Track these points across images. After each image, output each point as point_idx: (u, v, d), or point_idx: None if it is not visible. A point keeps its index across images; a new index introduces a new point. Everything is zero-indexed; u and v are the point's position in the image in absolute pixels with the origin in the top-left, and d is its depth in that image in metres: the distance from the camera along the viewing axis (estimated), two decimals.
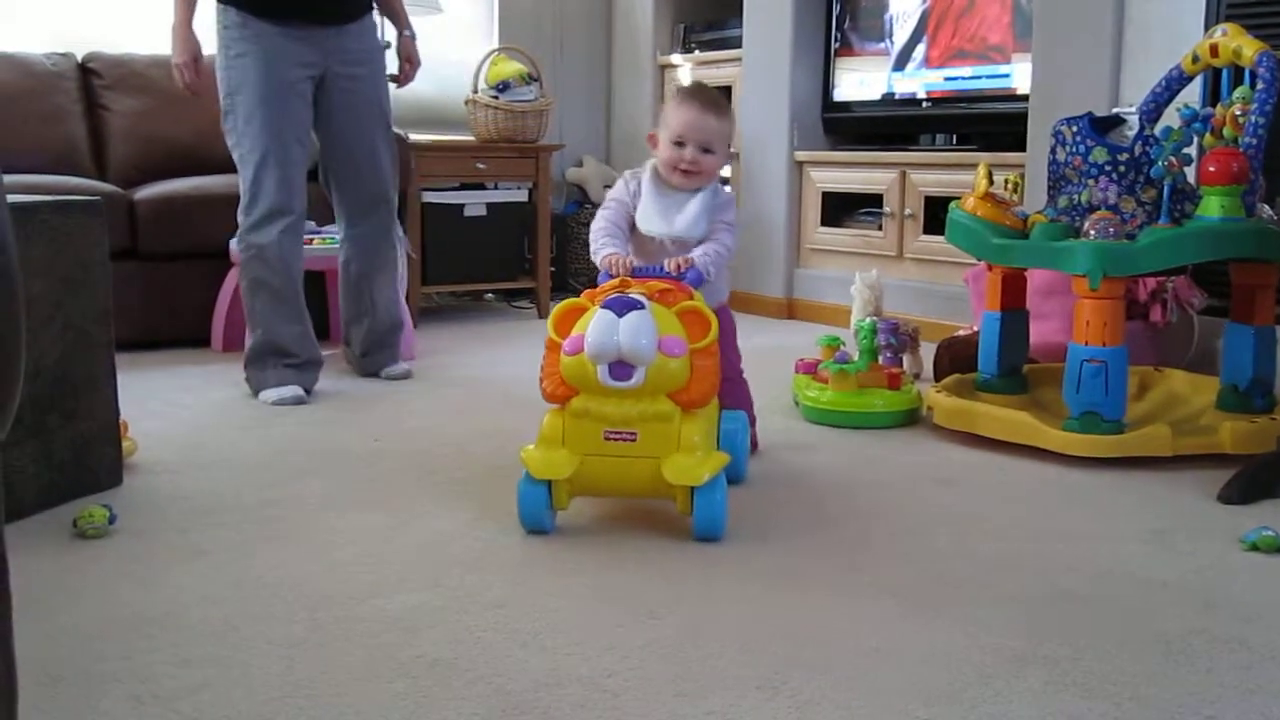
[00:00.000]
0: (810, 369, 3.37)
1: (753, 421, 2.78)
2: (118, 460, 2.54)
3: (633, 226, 2.58)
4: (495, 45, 5.57)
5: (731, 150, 5.54)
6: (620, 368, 2.11)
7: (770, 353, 4.13)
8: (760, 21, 5.15)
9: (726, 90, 5.42)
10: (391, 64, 3.74)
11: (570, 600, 1.93)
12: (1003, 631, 1.81)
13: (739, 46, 5.28)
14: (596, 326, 2.11)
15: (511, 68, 5.21)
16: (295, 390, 3.41)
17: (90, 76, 4.73)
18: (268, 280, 3.42)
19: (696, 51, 5.62)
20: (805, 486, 2.60)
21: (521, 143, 5.18)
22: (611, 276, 2.37)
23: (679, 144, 2.54)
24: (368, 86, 3.55)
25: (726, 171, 5.58)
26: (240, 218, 3.42)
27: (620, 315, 2.11)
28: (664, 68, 5.73)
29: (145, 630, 1.81)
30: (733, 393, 2.67)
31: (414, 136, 4.87)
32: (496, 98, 5.13)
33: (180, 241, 4.17)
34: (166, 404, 3.33)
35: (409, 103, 5.43)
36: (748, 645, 1.75)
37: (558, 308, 2.26)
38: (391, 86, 3.72)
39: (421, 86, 5.07)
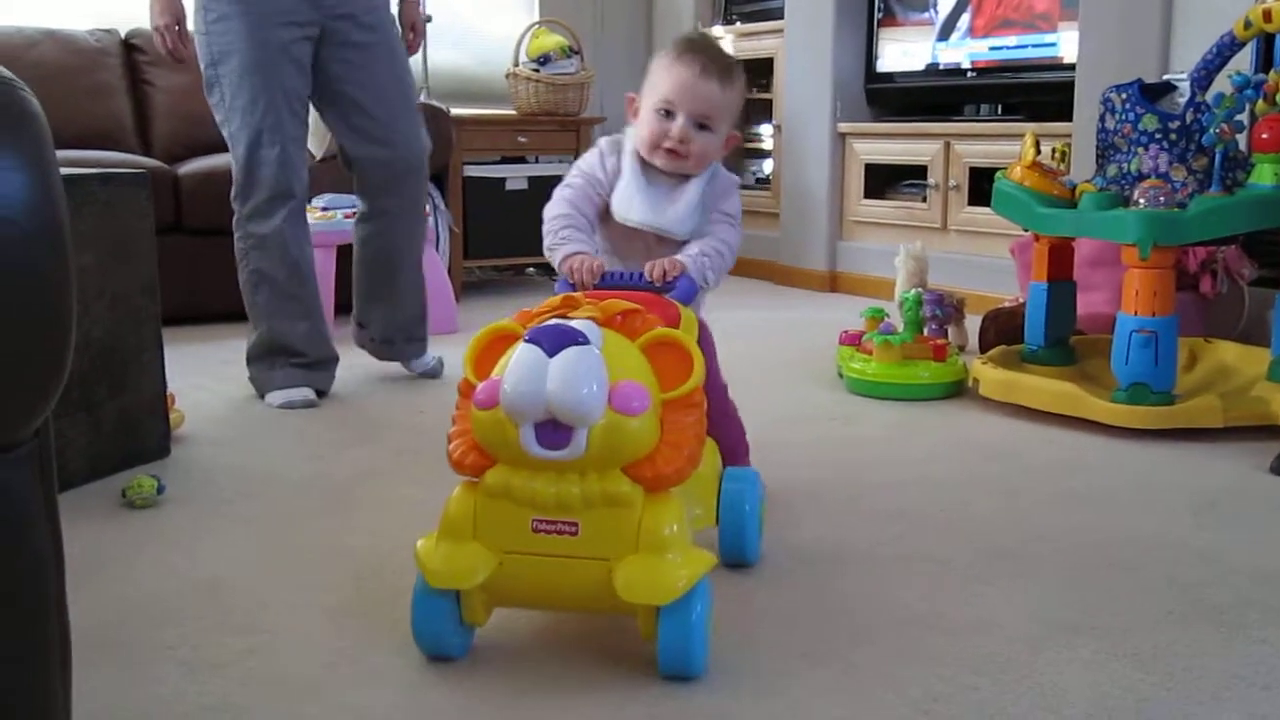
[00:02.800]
0: (854, 340, 3.35)
1: (745, 456, 2.20)
2: (165, 432, 2.56)
3: (604, 213, 2.00)
4: (536, 18, 5.55)
5: (775, 124, 5.55)
6: (552, 430, 1.47)
7: (813, 325, 4.12)
8: None
9: (768, 63, 5.39)
10: None
11: None
12: (1053, 602, 1.79)
13: (780, 17, 5.23)
14: (517, 370, 1.47)
15: (552, 40, 5.19)
16: (305, 392, 3.05)
17: (134, 53, 4.75)
18: (270, 273, 3.02)
19: (738, 23, 5.59)
20: (850, 457, 2.59)
21: (562, 116, 5.17)
22: (572, 287, 1.80)
23: (665, 113, 1.94)
24: (383, 39, 3.09)
25: (759, 145, 5.56)
26: (235, 204, 3.03)
27: (551, 353, 1.47)
28: None
29: (194, 598, 1.82)
30: (726, 431, 2.09)
31: (455, 110, 4.86)
32: (537, 70, 5.11)
33: (224, 216, 4.14)
34: (213, 377, 3.35)
35: (449, 76, 5.44)
36: (792, 614, 1.75)
37: (479, 335, 1.62)
38: None
39: (462, 60, 5.06)
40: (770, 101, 5.44)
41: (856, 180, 4.99)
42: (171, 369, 2.60)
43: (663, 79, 1.96)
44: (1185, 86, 2.90)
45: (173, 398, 2.66)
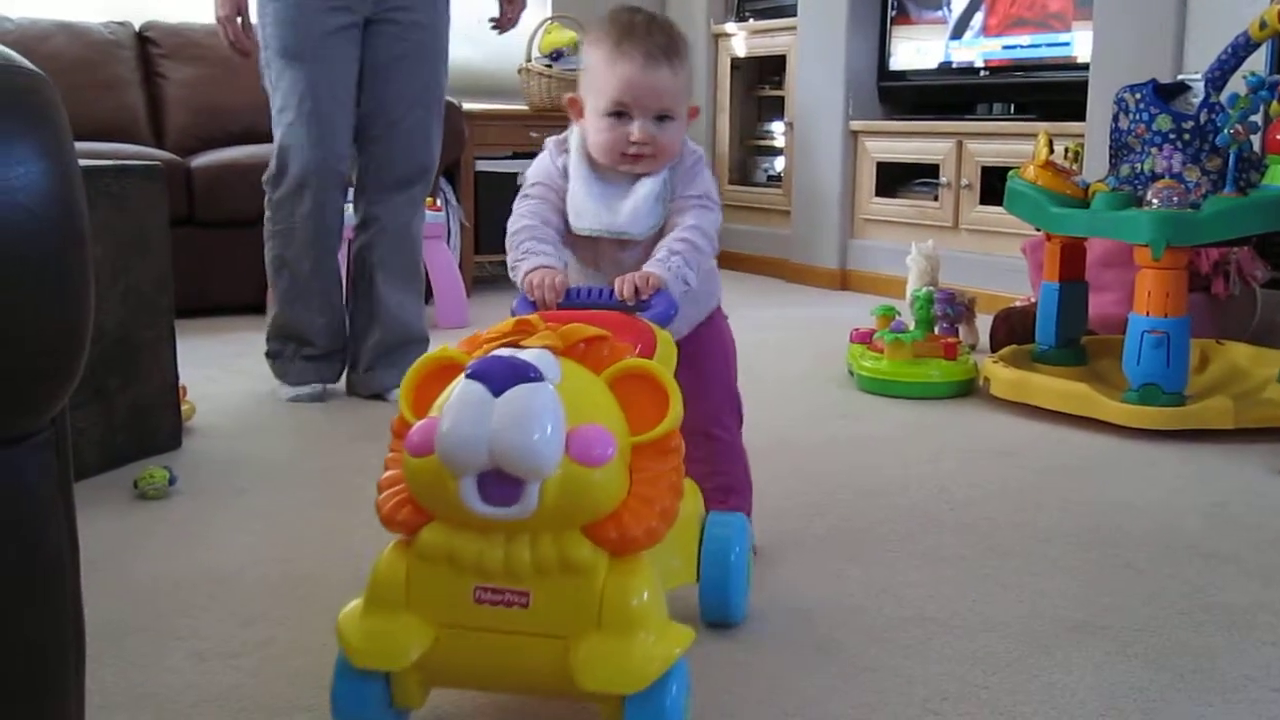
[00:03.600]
0: (865, 338, 3.34)
1: (747, 507, 1.90)
2: (177, 423, 2.57)
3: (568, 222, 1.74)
4: (548, 14, 5.55)
5: (787, 121, 5.54)
6: (498, 482, 1.22)
7: (824, 323, 4.12)
8: None
9: (780, 60, 5.39)
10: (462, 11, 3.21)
11: None
12: (1063, 602, 1.79)
13: (794, 15, 5.23)
14: (456, 411, 1.23)
15: (565, 36, 5.19)
16: (314, 388, 3.04)
17: (148, 45, 4.77)
18: (292, 262, 2.96)
19: (750, 20, 5.58)
20: (860, 456, 2.59)
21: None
22: (534, 306, 1.56)
23: (618, 114, 1.66)
24: (425, 35, 2.98)
25: (771, 143, 5.55)
26: (266, 188, 2.97)
27: (497, 391, 1.22)
28: (718, 36, 5.69)
29: (206, 589, 1.83)
30: (721, 464, 1.84)
31: (467, 105, 4.87)
32: (549, 66, 5.12)
33: (237, 209, 4.19)
34: (224, 369, 3.36)
35: (461, 71, 5.41)
36: (803, 612, 1.75)
37: (418, 364, 1.39)
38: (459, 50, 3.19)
39: (474, 55, 5.06)
40: (782, 99, 5.44)
41: (868, 178, 4.99)
42: (183, 361, 2.61)
43: (605, 78, 1.68)
44: (1200, 87, 2.89)
45: (184, 389, 2.67)
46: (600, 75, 1.68)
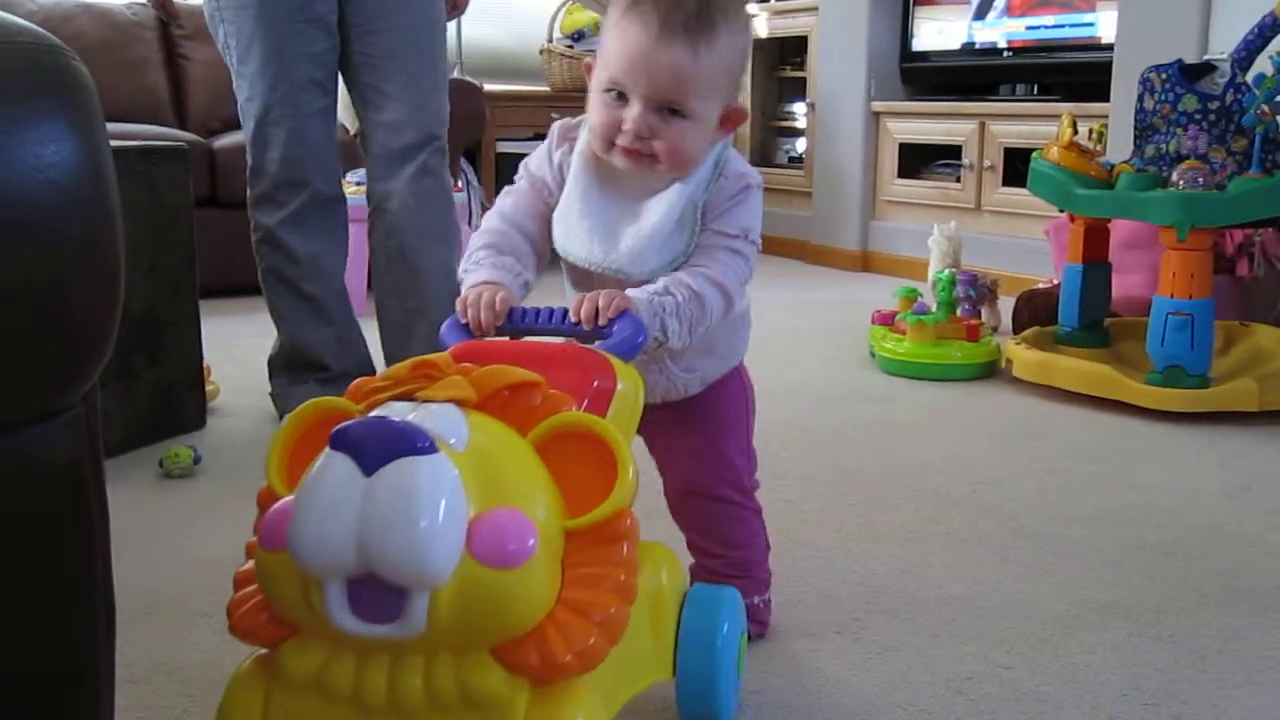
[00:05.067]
0: (888, 320, 3.34)
1: (760, 589, 1.59)
2: (202, 403, 2.58)
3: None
4: None
5: (808, 102, 5.51)
6: (373, 592, 0.92)
7: (845, 305, 4.11)
8: None
9: (802, 41, 5.37)
10: None
11: None
12: (1086, 583, 1.79)
13: None
14: (313, 495, 0.93)
15: (586, 17, 5.18)
16: None
17: (170, 26, 4.77)
18: (283, 272, 2.53)
19: (772, 0, 5.56)
20: (882, 438, 2.58)
21: None
22: (466, 330, 1.27)
23: (619, 95, 1.31)
24: None
25: (793, 124, 5.53)
26: (247, 189, 2.56)
27: (370, 468, 0.91)
28: None
29: (231, 567, 1.83)
30: (733, 538, 1.56)
31: (488, 86, 4.87)
32: (571, 47, 5.11)
33: None
34: (248, 349, 3.37)
35: (482, 51, 5.44)
36: (826, 592, 1.75)
37: (295, 415, 1.09)
38: None
39: (495, 35, 5.05)
40: (804, 80, 5.42)
41: (890, 160, 4.97)
42: (207, 341, 2.62)
43: (612, 42, 1.32)
44: (1225, 67, 2.87)
45: (209, 369, 2.68)
46: (608, 40, 1.33)
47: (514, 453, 1.01)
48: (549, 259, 1.42)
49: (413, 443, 0.92)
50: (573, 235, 1.36)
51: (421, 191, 2.51)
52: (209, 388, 2.67)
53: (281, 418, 2.52)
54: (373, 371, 2.53)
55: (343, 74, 2.55)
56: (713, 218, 1.35)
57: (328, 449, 0.93)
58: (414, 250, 2.51)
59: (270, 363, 2.64)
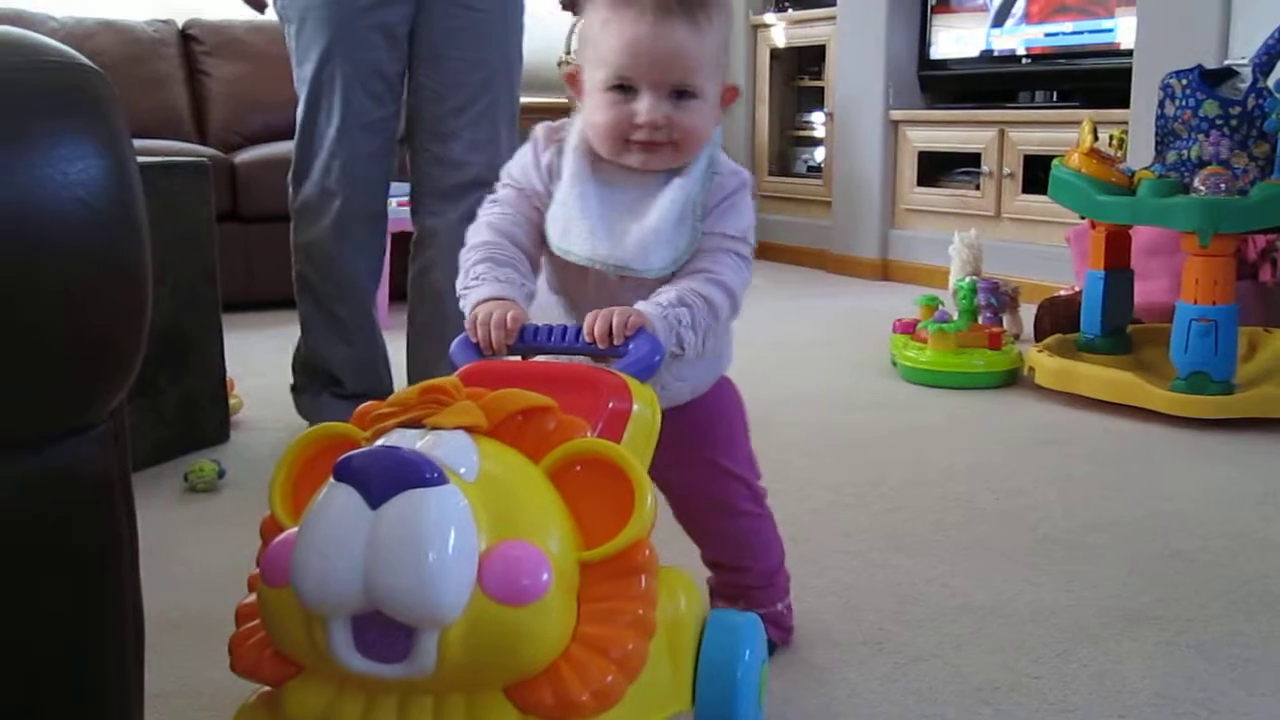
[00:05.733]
0: (909, 329, 3.33)
1: (782, 595, 1.58)
2: (225, 417, 2.59)
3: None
4: None
5: (827, 111, 5.51)
6: (381, 630, 0.89)
7: (865, 314, 4.10)
8: None
9: (820, 50, 5.37)
10: None
11: None
12: (1112, 591, 1.78)
13: (833, 4, 5.21)
14: (317, 530, 0.89)
15: None
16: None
17: (191, 43, 4.81)
18: (315, 284, 2.47)
19: (790, 10, 5.57)
20: (905, 446, 2.58)
21: None
22: (476, 350, 1.24)
23: (623, 89, 1.28)
24: (494, 15, 2.42)
25: (811, 133, 5.53)
26: (289, 187, 2.48)
27: (376, 500, 0.88)
28: (757, 27, 5.68)
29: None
30: (748, 551, 1.54)
31: None
32: None
33: (280, 204, 4.19)
34: (269, 363, 3.38)
35: None
36: (852, 602, 1.74)
37: (299, 441, 1.06)
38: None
39: None
40: (822, 89, 5.42)
41: (909, 168, 4.97)
42: (230, 355, 2.63)
43: (603, 41, 1.28)
44: (1246, 72, 2.86)
45: (232, 383, 2.69)
46: (597, 39, 1.29)
47: (527, 482, 0.97)
48: (540, 266, 1.39)
49: (420, 474, 0.88)
50: (572, 233, 1.31)
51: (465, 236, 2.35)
52: (232, 401, 2.68)
53: (303, 416, 2.57)
54: (383, 387, 2.53)
55: (409, 91, 2.44)
56: (714, 217, 1.32)
57: (332, 480, 0.90)
58: (449, 294, 2.29)
59: (294, 359, 2.62)
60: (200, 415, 2.52)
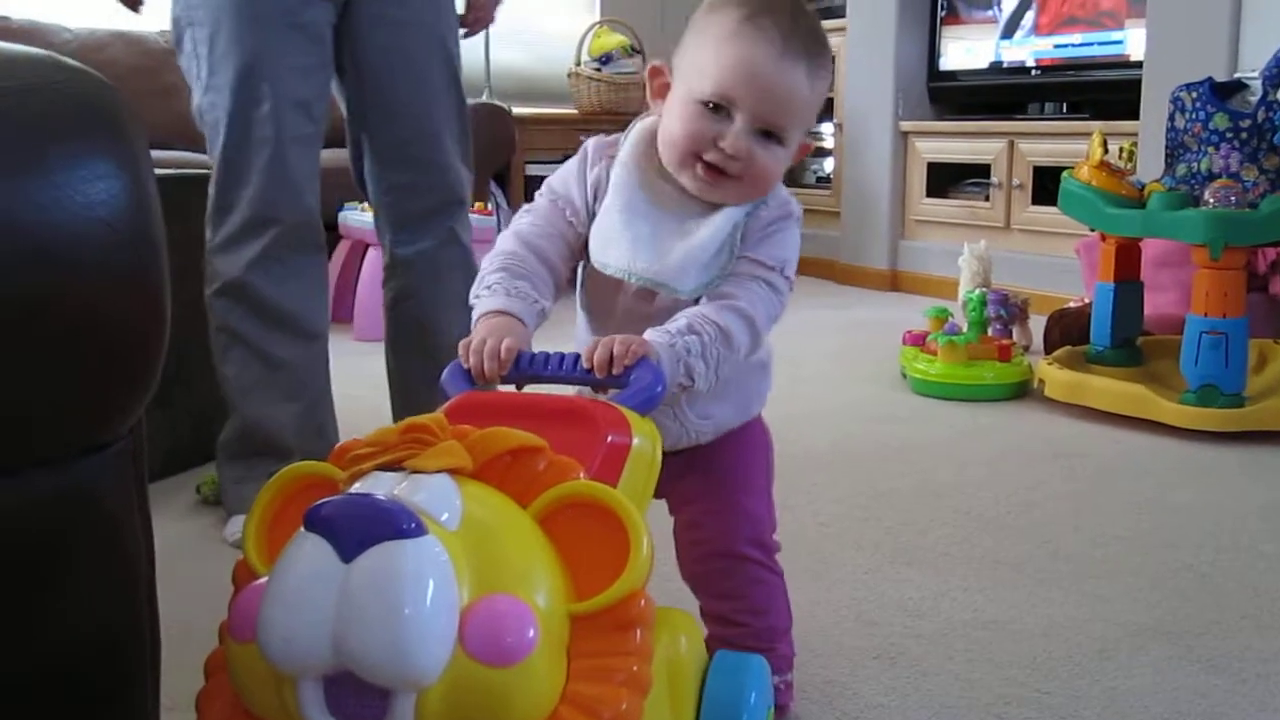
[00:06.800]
0: (919, 341, 3.33)
1: (781, 667, 1.42)
2: None
3: (585, 252, 1.31)
4: (597, 17, 5.57)
5: (836, 122, 5.50)
6: (354, 692, 0.82)
7: (875, 325, 4.10)
8: None
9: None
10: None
11: None
12: (1122, 605, 1.78)
13: (843, 15, 5.22)
14: (284, 585, 0.83)
15: (614, 40, 5.21)
16: None
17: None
18: (245, 334, 2.09)
19: None
20: (915, 459, 2.58)
21: (624, 115, 5.17)
22: (468, 377, 1.17)
23: (717, 108, 1.22)
24: (425, 19, 2.14)
25: (821, 144, 5.53)
26: (207, 229, 2.10)
27: (349, 553, 0.81)
28: None
29: None
30: (756, 602, 1.41)
31: (516, 109, 4.89)
32: (599, 70, 5.14)
33: None
34: None
35: (511, 75, 5.46)
36: (864, 616, 1.75)
37: (278, 479, 1.01)
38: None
39: (523, 59, 5.06)
40: (831, 100, 5.42)
41: (918, 179, 4.97)
42: None
43: (717, 53, 1.22)
44: (1256, 85, 2.87)
45: None
46: (710, 49, 1.23)
47: (514, 529, 0.90)
48: (567, 285, 1.32)
49: (397, 524, 0.81)
50: (612, 245, 1.25)
51: (444, 261, 2.19)
52: None
53: (228, 518, 2.12)
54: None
55: (350, 119, 2.20)
56: (751, 244, 1.26)
57: (302, 529, 0.83)
58: (434, 324, 2.19)
59: (219, 446, 2.20)
60: (213, 427, 2.51)
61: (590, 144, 1.33)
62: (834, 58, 1.11)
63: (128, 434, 0.93)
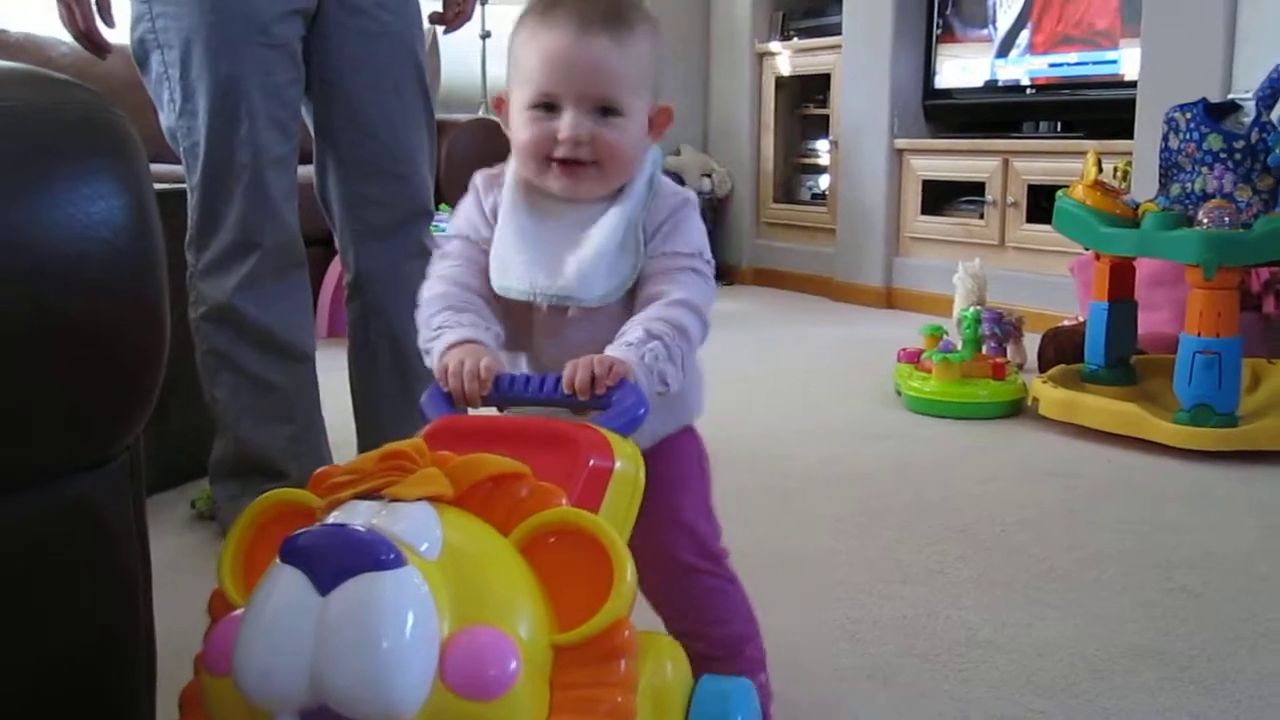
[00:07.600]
0: (913, 358, 3.34)
1: (751, 668, 1.35)
2: None
3: None
4: None
5: (831, 139, 5.52)
6: None
7: (869, 342, 4.11)
8: (861, 8, 5.10)
9: (825, 79, 5.39)
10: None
11: None
12: (1116, 625, 1.78)
13: (839, 34, 5.23)
14: (260, 619, 0.81)
15: None
16: None
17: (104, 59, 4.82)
18: (234, 357, 2.08)
19: (795, 39, 5.59)
20: (910, 477, 2.58)
21: None
22: (448, 401, 1.16)
23: (548, 107, 1.23)
24: (396, 29, 2.11)
25: (816, 161, 5.55)
26: (188, 255, 2.07)
27: (326, 586, 0.80)
28: (762, 55, 5.71)
29: None
30: (714, 611, 1.36)
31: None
32: None
33: None
34: None
35: (495, 85, 5.46)
36: (857, 635, 1.75)
37: (255, 505, 0.99)
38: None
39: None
40: (827, 117, 5.44)
41: (913, 196, 4.98)
42: None
43: (526, 58, 1.24)
44: (1250, 106, 2.88)
45: None
46: (521, 58, 1.25)
47: (495, 558, 0.89)
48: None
49: (374, 556, 0.80)
50: (509, 270, 1.25)
51: (412, 273, 1.93)
52: None
53: (223, 533, 2.02)
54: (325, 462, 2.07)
55: (316, 133, 2.16)
56: (660, 238, 1.25)
57: (278, 560, 0.82)
58: (407, 335, 1.82)
59: (211, 467, 2.19)
60: (208, 441, 2.52)
61: (478, 177, 1.34)
62: (653, 19, 1.12)
63: (125, 450, 0.93)
